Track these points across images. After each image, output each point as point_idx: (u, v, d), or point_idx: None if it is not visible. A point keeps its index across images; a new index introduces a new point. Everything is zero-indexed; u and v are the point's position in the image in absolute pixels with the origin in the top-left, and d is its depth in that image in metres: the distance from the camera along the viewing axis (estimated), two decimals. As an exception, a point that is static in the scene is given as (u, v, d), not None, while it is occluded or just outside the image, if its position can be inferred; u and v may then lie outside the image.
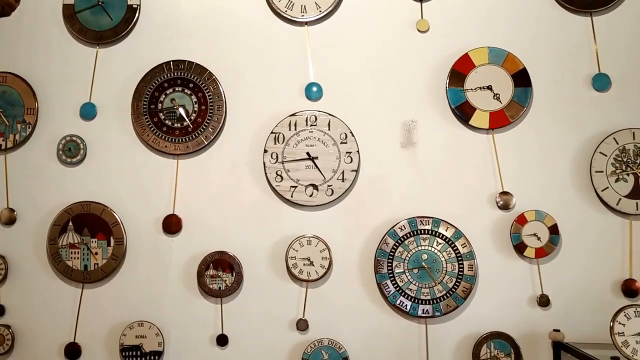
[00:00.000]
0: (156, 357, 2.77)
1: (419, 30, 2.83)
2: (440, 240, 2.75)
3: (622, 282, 2.71)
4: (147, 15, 2.90)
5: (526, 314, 2.75)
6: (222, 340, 2.77)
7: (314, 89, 2.83)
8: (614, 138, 2.74)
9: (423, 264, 2.74)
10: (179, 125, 2.84)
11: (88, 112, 2.87)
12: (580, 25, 2.82)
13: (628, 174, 2.73)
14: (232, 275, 2.77)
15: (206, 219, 2.83)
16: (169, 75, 2.85)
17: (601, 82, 2.77)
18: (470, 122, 2.79)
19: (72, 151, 2.85)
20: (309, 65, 2.85)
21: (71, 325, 2.81)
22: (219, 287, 2.77)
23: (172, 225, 2.82)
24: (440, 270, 2.74)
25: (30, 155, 2.88)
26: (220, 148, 2.86)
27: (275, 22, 2.88)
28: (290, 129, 2.81)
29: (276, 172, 2.80)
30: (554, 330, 2.68)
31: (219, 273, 2.77)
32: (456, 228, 2.75)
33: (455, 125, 2.82)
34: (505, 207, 2.76)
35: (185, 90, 2.84)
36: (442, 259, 2.74)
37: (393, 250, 2.75)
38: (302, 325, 2.76)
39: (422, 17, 2.83)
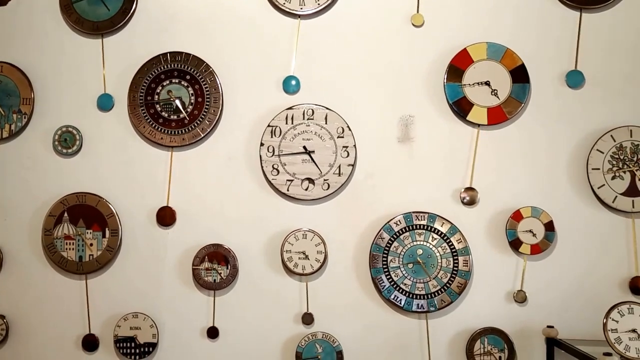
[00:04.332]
0: (150, 349, 2.77)
1: (413, 25, 2.81)
2: (435, 236, 2.75)
3: (629, 279, 2.71)
4: (144, 6, 2.87)
5: (520, 310, 2.75)
6: (212, 333, 2.78)
7: (293, 82, 2.80)
8: (611, 135, 2.73)
9: (418, 259, 2.74)
10: (175, 117, 2.82)
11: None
12: (581, 21, 2.81)
13: (624, 172, 2.73)
14: (227, 268, 2.77)
15: (202, 212, 2.83)
16: (165, 66, 2.83)
17: (575, 80, 2.76)
18: (468, 118, 2.78)
19: (68, 142, 2.84)
20: (305, 59, 2.84)
21: (66, 315, 2.82)
22: (214, 280, 2.77)
23: (166, 217, 2.81)
24: (435, 265, 2.74)
25: (26, 146, 2.86)
26: (217, 141, 2.85)
27: (273, 14, 2.85)
28: (287, 123, 2.80)
29: (272, 166, 2.80)
30: (548, 326, 2.68)
31: (214, 266, 2.77)
32: (451, 224, 2.75)
33: (453, 121, 2.81)
34: (471, 202, 2.76)
35: (182, 82, 2.83)
36: (437, 254, 2.74)
37: (388, 245, 2.75)
38: (307, 319, 2.76)
39: (417, 12, 2.82)
